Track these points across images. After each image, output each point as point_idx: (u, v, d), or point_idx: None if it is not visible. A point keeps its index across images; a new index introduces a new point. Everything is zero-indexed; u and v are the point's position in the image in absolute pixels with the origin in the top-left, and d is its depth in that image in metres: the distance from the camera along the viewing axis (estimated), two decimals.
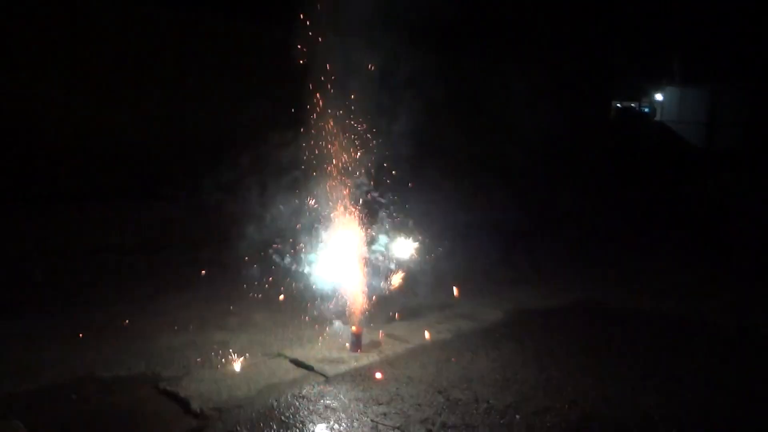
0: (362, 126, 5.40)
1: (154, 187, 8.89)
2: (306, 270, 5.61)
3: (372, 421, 3.90)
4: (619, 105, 27.85)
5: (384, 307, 5.91)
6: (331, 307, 5.51)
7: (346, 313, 5.36)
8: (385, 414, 3.99)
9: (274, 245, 5.73)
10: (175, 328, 5.53)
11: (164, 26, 8.93)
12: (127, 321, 5.65)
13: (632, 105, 28.49)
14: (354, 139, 5.41)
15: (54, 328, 5.45)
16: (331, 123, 5.28)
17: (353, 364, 4.81)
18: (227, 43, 9.39)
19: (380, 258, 5.58)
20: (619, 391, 4.42)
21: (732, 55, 25.48)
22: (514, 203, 10.10)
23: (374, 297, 5.54)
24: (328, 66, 5.15)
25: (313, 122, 5.38)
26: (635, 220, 12.11)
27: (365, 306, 5.44)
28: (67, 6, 8.29)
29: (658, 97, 28.55)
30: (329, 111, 5.28)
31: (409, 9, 5.73)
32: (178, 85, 9.07)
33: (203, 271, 7.11)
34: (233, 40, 9.41)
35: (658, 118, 27.80)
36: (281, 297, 5.92)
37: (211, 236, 8.61)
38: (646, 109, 28.19)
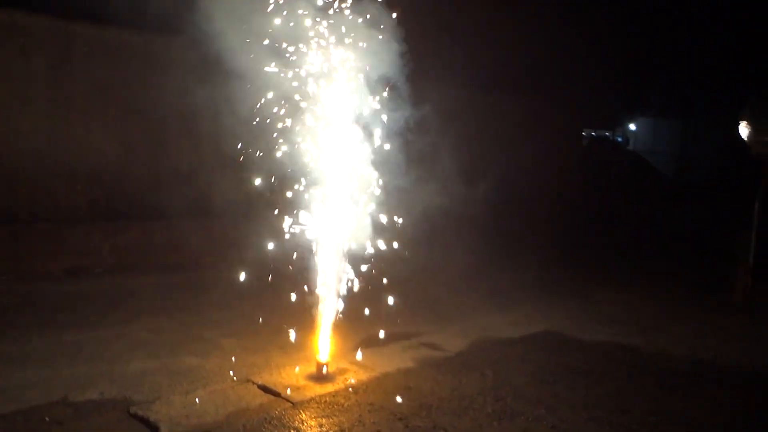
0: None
1: (130, 209, 9.07)
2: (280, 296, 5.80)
3: None
4: (593, 134, 28.42)
5: (351, 334, 6.14)
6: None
7: (314, 341, 5.57)
8: None
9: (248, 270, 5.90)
10: (148, 352, 5.71)
11: (126, 51, 9.10)
12: (100, 345, 5.82)
13: (606, 134, 29.08)
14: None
15: (29, 350, 5.61)
16: None
17: (319, 390, 5.02)
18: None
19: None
20: (568, 421, 4.67)
21: (705, 88, 26.20)
22: (480, 232, 10.37)
23: (342, 324, 5.75)
24: None
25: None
26: (603, 249, 12.45)
27: (333, 334, 5.65)
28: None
29: (632, 127, 29.23)
30: None
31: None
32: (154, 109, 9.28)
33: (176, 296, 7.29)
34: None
35: (631, 147, 28.41)
36: (251, 323, 6.11)
37: (186, 260, 8.81)
38: (620, 139, 28.81)
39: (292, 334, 5.77)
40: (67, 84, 8.63)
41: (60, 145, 8.59)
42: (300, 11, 5.14)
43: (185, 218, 9.28)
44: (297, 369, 5.41)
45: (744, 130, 8.76)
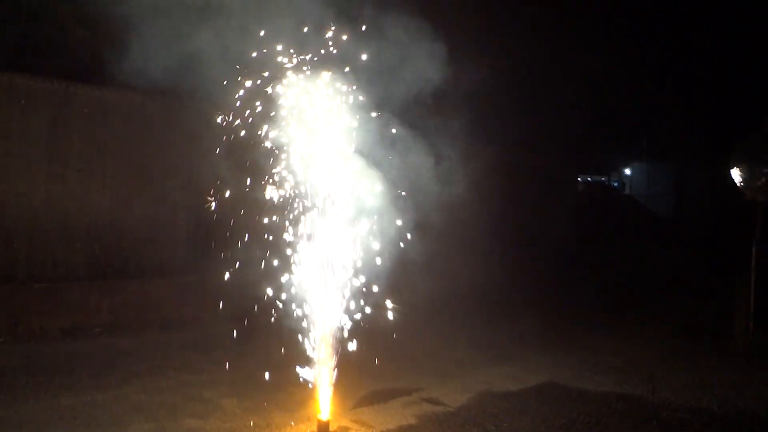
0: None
1: (128, 267, 9.06)
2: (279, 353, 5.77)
3: None
4: (589, 179, 28.70)
5: (352, 391, 6.08)
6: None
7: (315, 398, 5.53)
8: None
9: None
10: (146, 415, 5.64)
11: (123, 112, 9.22)
12: (98, 408, 5.75)
13: (602, 179, 29.36)
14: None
15: (24, 415, 5.53)
16: None
17: None
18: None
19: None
20: None
21: (696, 132, 26.52)
22: (476, 281, 10.36)
23: (342, 381, 5.71)
24: None
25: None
26: (601, 295, 12.42)
27: (333, 391, 5.61)
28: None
29: (627, 171, 29.51)
30: None
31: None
32: (151, 166, 9.35)
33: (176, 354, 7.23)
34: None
35: (626, 191, 28.63)
36: (251, 381, 6.06)
37: (184, 318, 8.78)
38: (615, 183, 29.07)
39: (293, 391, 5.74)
40: (66, 144, 8.71)
41: (58, 204, 8.61)
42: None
43: (184, 275, 9.28)
44: (298, 429, 5.35)
45: (736, 175, 8.86)
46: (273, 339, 5.83)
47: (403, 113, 6.05)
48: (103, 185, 9.01)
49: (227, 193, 6.32)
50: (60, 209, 8.64)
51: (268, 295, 5.74)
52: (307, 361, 5.53)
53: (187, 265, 9.45)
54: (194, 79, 6.37)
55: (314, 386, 5.50)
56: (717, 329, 9.54)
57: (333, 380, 5.54)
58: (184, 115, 9.39)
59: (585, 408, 6.17)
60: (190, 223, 9.64)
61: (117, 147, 9.12)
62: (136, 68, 8.24)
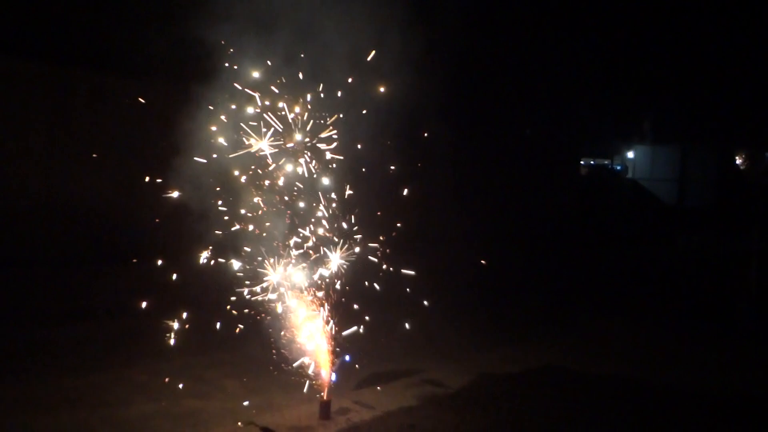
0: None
1: (131, 250, 9.07)
2: (279, 335, 5.78)
3: None
4: (592, 162, 28.63)
5: (353, 372, 6.11)
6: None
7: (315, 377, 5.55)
8: None
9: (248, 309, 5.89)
10: (149, 395, 5.68)
11: (124, 96, 9.19)
12: (101, 389, 5.79)
13: (605, 162, 29.27)
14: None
15: (29, 396, 5.58)
16: None
17: (322, 431, 4.99)
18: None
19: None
20: None
21: (700, 116, 26.37)
22: (478, 264, 10.36)
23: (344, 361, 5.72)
24: None
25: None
26: (603, 279, 12.42)
27: (334, 372, 5.62)
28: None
29: (630, 155, 29.40)
30: None
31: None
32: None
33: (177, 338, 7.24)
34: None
35: (630, 175, 28.53)
36: (254, 362, 6.09)
37: (187, 300, 8.78)
38: (619, 167, 28.96)
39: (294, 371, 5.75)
40: (67, 127, 8.73)
41: (60, 188, 8.65)
42: None
43: (188, 257, 9.27)
44: (300, 410, 5.37)
45: (739, 160, 8.84)
46: (275, 321, 5.82)
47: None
48: (105, 169, 9.03)
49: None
50: (62, 193, 8.66)
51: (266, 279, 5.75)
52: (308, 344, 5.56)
53: (189, 248, 9.46)
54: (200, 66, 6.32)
55: (316, 367, 5.52)
56: (719, 313, 9.54)
57: (334, 361, 5.56)
58: (184, 100, 9.36)
59: (586, 391, 6.19)
60: (194, 205, 9.64)
61: (119, 131, 9.13)
62: (138, 54, 8.23)
